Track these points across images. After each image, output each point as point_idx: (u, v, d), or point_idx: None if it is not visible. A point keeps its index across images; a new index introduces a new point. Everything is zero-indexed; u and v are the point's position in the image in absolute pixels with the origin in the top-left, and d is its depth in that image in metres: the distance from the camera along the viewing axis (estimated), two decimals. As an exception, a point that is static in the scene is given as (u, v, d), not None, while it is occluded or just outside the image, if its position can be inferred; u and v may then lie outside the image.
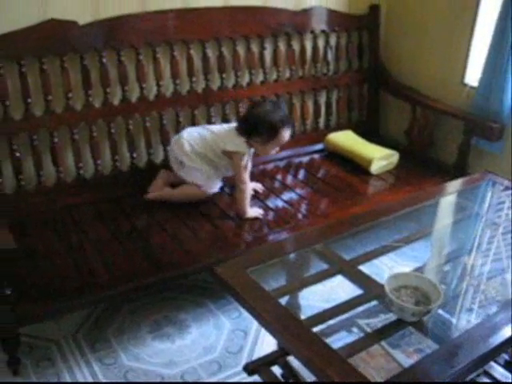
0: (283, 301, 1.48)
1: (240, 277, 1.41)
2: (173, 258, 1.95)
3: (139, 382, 1.86)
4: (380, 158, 2.56)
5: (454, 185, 2.03)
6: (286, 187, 2.44)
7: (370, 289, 1.47)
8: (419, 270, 1.64)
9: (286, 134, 2.22)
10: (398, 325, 1.38)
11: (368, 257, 1.66)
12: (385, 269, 2.32)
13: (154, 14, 2.26)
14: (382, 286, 1.40)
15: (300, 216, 2.23)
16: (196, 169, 2.24)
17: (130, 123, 2.30)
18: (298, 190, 2.42)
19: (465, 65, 2.62)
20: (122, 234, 2.07)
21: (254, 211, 2.20)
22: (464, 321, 1.48)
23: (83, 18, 2.13)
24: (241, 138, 2.20)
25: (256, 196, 2.33)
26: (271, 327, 1.29)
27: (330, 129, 2.85)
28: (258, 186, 2.41)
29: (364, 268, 1.57)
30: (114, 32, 2.19)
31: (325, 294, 2.18)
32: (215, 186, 2.31)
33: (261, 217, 2.19)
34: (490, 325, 1.32)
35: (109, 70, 2.22)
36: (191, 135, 2.26)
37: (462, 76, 2.64)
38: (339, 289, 2.17)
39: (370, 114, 2.98)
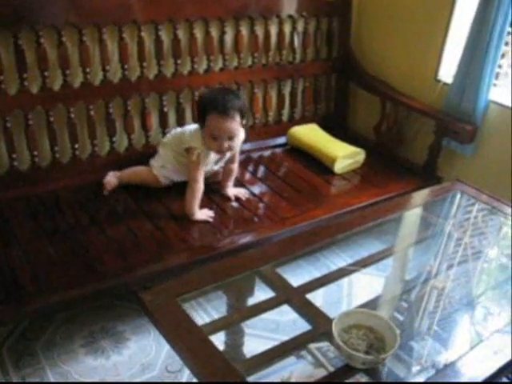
0: (220, 336, 1.28)
1: (169, 307, 1.19)
2: (109, 264, 1.72)
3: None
4: (344, 156, 2.35)
5: (421, 196, 1.82)
6: (242, 185, 2.21)
7: (319, 324, 1.26)
8: (375, 300, 1.45)
9: (214, 122, 1.88)
10: (348, 370, 1.19)
11: (320, 282, 1.46)
12: (338, 294, 2.11)
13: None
14: (331, 322, 1.20)
15: (256, 219, 2.01)
16: (160, 155, 2.11)
17: (72, 111, 2.04)
18: (256, 189, 2.20)
19: (439, 60, 2.40)
20: (55, 234, 1.83)
21: (202, 213, 1.97)
22: (419, 369, 1.29)
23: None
24: (198, 133, 1.98)
25: (207, 195, 2.10)
26: (199, 374, 1.08)
27: (294, 121, 2.61)
28: (241, 193, 2.15)
29: (315, 294, 1.37)
30: (52, 8, 1.91)
31: (269, 324, 1.95)
32: (167, 178, 2.09)
33: (210, 220, 1.97)
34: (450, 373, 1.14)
35: (47, 51, 1.95)
36: (175, 129, 2.15)
37: (436, 72, 2.42)
38: (286, 317, 1.95)
39: (338, 107, 2.75)
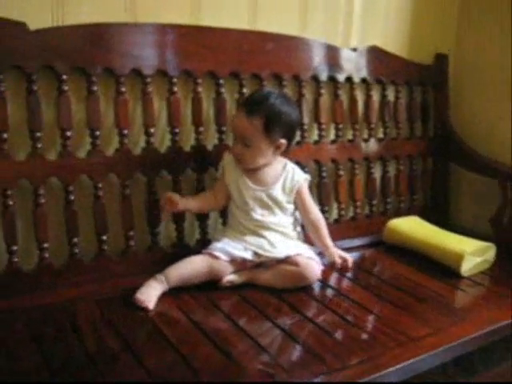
0: None
1: None
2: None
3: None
4: (473, 252, 1.63)
5: None
6: (338, 293, 1.49)
7: None
8: None
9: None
10: None
11: None
12: None
13: (147, 28, 1.41)
14: None
15: (371, 341, 1.24)
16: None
17: (100, 187, 1.39)
18: (358, 298, 1.44)
19: None
20: (68, 368, 1.08)
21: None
22: None
23: (38, 21, 1.30)
24: None
25: (283, 301, 1.38)
26: None
27: (387, 215, 1.93)
28: (349, 260, 1.57)
29: None
30: (81, 47, 1.34)
31: None
32: (228, 253, 1.41)
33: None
34: None
35: (72, 105, 1.35)
36: None
37: None
38: None
39: (437, 196, 2.08)
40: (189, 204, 1.46)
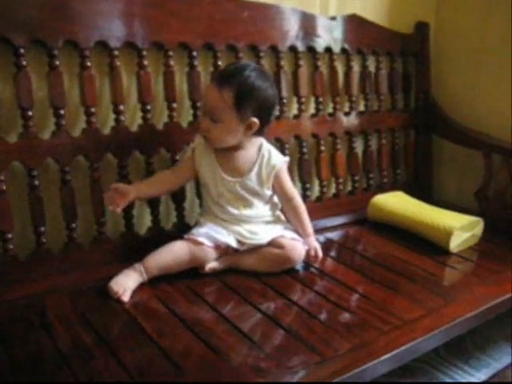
0: None
1: None
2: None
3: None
4: (461, 228, 1.56)
5: None
6: (326, 278, 1.38)
7: None
8: None
9: None
10: None
11: None
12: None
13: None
14: None
15: (362, 323, 1.17)
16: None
17: (68, 171, 1.28)
18: (344, 278, 1.36)
19: None
20: (37, 367, 0.99)
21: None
22: None
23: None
24: None
25: (283, 294, 1.29)
26: None
27: (370, 191, 1.86)
28: (319, 254, 1.41)
29: None
30: (40, 17, 1.19)
31: None
32: (212, 237, 1.31)
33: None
34: None
35: (32, 81, 1.22)
36: None
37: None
38: None
39: (420, 170, 2.01)
40: (142, 191, 1.32)
